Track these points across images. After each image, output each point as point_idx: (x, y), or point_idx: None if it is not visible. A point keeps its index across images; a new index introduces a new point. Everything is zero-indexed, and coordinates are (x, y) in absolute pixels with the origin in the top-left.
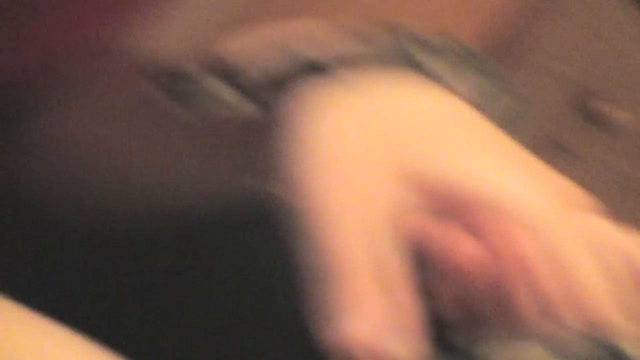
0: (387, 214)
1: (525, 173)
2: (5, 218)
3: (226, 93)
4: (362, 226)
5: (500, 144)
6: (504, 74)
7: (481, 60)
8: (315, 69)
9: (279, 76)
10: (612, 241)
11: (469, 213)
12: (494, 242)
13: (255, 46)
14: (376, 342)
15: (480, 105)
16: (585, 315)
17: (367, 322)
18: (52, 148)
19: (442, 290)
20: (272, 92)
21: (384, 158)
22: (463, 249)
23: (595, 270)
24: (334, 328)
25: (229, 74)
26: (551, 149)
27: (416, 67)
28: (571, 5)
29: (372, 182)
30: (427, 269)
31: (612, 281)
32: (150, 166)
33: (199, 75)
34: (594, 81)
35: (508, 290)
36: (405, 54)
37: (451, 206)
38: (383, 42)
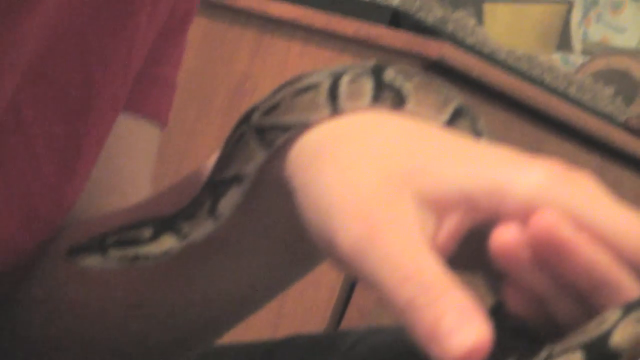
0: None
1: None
2: None
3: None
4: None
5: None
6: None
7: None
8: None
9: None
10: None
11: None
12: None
13: None
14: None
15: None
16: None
17: (481, 322)
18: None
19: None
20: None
21: (398, 186)
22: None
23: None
24: (456, 342)
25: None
26: None
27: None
28: None
29: (400, 211)
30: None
31: None
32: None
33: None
34: None
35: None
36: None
37: (478, 212)
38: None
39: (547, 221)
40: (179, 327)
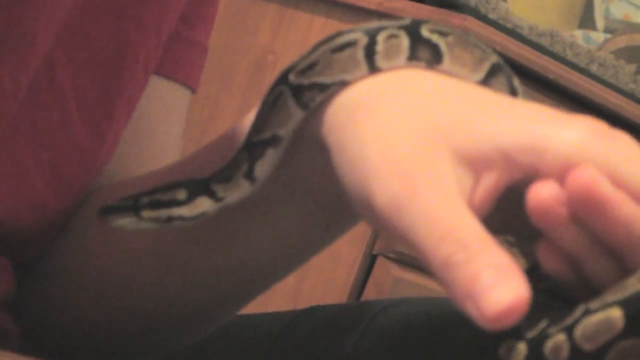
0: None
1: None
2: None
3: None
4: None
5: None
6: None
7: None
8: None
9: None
10: None
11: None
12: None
13: None
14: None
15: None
16: None
17: (519, 280)
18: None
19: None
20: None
21: (435, 143)
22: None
23: None
24: (494, 299)
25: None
26: None
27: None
28: None
29: (437, 168)
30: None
31: None
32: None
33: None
34: None
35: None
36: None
37: (515, 168)
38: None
39: (587, 177)
40: (206, 293)
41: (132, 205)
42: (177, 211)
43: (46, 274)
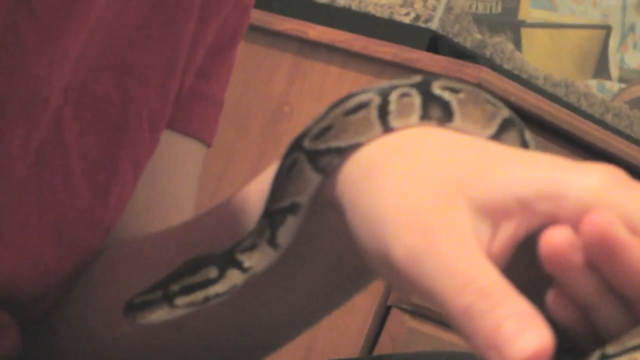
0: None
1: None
2: None
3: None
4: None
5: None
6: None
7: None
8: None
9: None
10: None
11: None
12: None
13: None
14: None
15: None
16: None
17: (542, 328)
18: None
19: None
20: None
21: (451, 195)
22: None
23: None
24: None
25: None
26: None
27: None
28: None
29: (454, 219)
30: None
31: None
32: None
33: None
34: None
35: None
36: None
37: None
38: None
39: (602, 220)
40: (217, 353)
41: (163, 296)
42: (212, 290)
43: (55, 329)
